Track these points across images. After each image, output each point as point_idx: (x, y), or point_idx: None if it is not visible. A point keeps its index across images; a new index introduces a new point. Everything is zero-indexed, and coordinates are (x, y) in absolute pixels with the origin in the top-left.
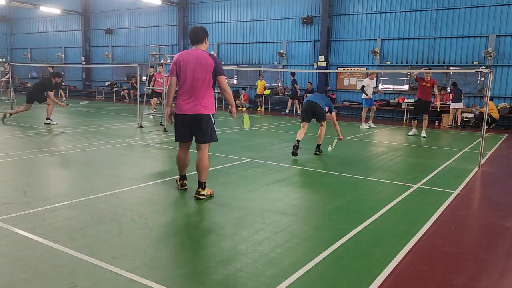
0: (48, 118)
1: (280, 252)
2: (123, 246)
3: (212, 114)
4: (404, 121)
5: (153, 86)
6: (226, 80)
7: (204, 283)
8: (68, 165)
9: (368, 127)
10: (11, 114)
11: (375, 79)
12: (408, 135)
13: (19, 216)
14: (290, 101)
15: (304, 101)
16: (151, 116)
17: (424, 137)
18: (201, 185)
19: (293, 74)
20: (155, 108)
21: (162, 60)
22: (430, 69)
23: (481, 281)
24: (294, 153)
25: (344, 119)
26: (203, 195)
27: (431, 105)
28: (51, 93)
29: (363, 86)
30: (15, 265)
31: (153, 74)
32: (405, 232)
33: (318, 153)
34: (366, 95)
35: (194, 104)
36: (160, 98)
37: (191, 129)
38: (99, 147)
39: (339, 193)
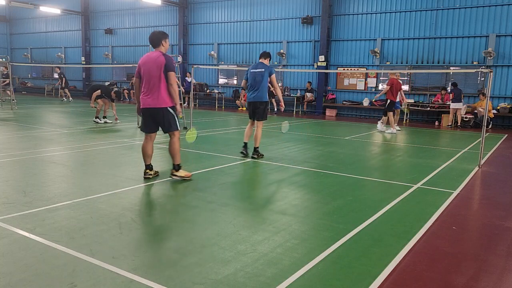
0: (97, 117)
1: (280, 252)
2: (123, 246)
3: (171, 107)
4: (404, 121)
5: None
6: (226, 80)
7: (204, 283)
8: (68, 165)
9: (396, 131)
10: (98, 117)
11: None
12: (386, 132)
13: (19, 216)
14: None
15: (247, 101)
16: None
17: (390, 132)
18: (174, 167)
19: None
20: None
21: None
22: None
23: (481, 281)
24: (242, 153)
25: (344, 119)
26: (176, 175)
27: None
28: (100, 101)
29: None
30: (15, 265)
31: None
32: (405, 232)
33: (255, 156)
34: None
35: (153, 99)
36: None
37: (154, 121)
38: (99, 147)
39: (339, 193)
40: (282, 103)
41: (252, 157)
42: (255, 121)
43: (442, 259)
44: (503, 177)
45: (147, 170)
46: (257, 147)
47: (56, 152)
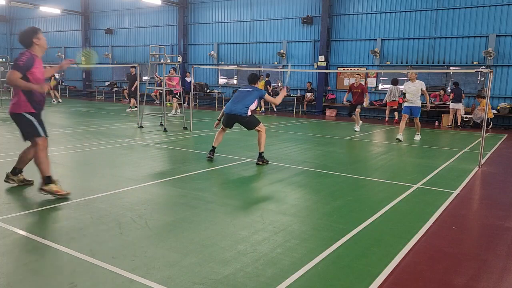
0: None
1: (280, 252)
2: (123, 246)
3: (27, 112)
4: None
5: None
6: (226, 80)
7: (204, 283)
8: (68, 165)
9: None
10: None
11: (417, 80)
12: (355, 130)
13: (19, 216)
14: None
15: (224, 111)
16: (169, 115)
17: (356, 130)
18: (44, 179)
19: (267, 75)
20: (177, 109)
21: (162, 60)
22: (359, 75)
23: (481, 281)
24: (209, 158)
25: (344, 119)
26: (44, 190)
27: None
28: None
29: (405, 92)
30: (15, 265)
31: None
32: (405, 232)
33: (261, 163)
34: (407, 100)
35: (11, 104)
36: (178, 97)
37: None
38: (99, 147)
39: (339, 193)
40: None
41: (257, 163)
42: (250, 130)
43: (442, 259)
44: (503, 177)
45: (11, 174)
46: (262, 152)
47: (56, 152)
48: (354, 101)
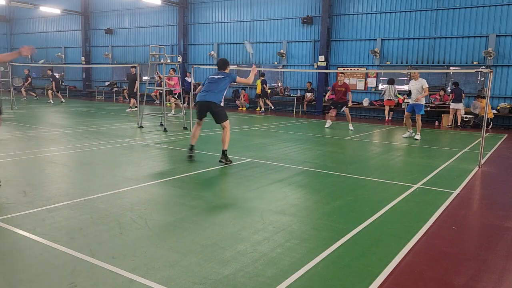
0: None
1: (280, 252)
2: (123, 246)
3: None
4: (404, 122)
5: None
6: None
7: (204, 283)
8: (68, 165)
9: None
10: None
11: (420, 78)
12: (326, 127)
13: (19, 216)
14: (261, 100)
15: (196, 100)
16: (169, 115)
17: (351, 129)
18: None
19: (263, 74)
20: (173, 110)
21: (162, 60)
22: (343, 73)
23: (481, 281)
24: (190, 157)
25: (344, 119)
26: None
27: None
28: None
29: (409, 90)
30: (15, 265)
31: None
32: (405, 232)
33: (223, 161)
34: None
35: None
36: (176, 97)
37: None
38: (99, 147)
39: (339, 193)
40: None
41: (220, 161)
42: (218, 123)
43: (442, 259)
44: (503, 177)
45: None
46: (226, 150)
47: (56, 152)
48: (336, 99)
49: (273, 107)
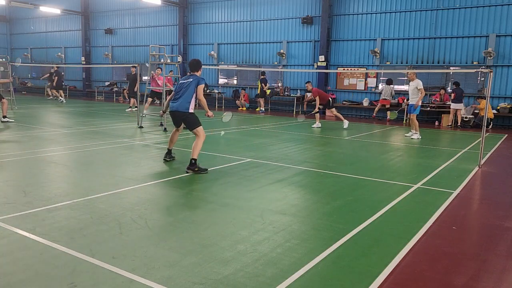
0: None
1: (280, 252)
2: (123, 246)
3: None
4: (404, 121)
5: (153, 86)
6: (226, 80)
7: (204, 283)
8: (68, 165)
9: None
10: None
11: (416, 79)
12: (313, 127)
13: (19, 216)
14: (261, 99)
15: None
16: (142, 115)
17: (317, 127)
18: None
19: (263, 73)
20: (134, 107)
21: (162, 60)
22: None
23: (481, 281)
24: (165, 160)
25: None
26: None
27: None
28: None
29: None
30: (15, 265)
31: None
32: (405, 232)
33: (191, 172)
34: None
35: None
36: (156, 98)
37: None
38: (99, 147)
39: (339, 193)
40: (209, 113)
41: (187, 171)
42: (193, 132)
43: (442, 259)
44: (503, 177)
45: None
46: (194, 159)
47: (56, 152)
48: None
49: (263, 109)
